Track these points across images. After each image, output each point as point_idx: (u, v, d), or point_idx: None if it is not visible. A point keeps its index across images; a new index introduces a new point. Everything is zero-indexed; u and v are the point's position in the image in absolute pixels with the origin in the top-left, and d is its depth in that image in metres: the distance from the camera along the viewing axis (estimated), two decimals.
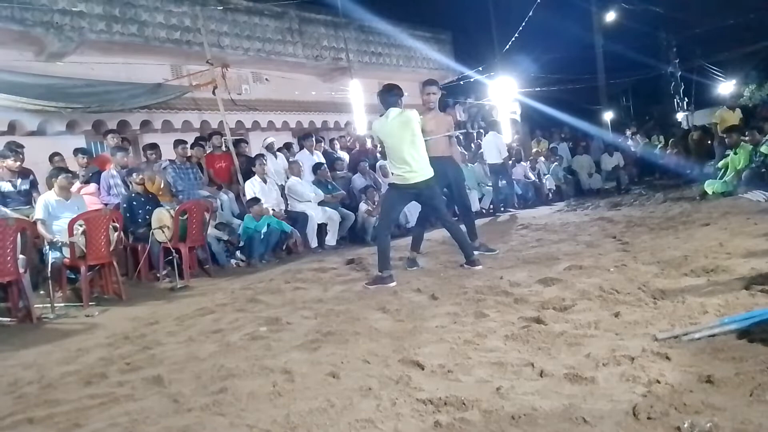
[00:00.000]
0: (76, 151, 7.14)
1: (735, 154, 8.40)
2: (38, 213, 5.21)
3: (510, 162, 10.69)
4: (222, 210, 7.19)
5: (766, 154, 7.86)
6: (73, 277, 5.35)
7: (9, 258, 4.40)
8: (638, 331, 2.60)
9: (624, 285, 3.46)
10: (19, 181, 5.77)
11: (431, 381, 2.30)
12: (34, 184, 6.03)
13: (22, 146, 6.05)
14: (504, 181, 10.41)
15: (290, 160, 8.43)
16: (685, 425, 1.66)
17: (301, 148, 9.04)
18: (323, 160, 8.70)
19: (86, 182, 6.61)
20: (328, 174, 8.43)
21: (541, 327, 2.81)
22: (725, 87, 23.79)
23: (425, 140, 4.75)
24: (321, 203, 7.83)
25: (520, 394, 2.05)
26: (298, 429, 1.98)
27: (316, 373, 2.53)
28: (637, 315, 2.85)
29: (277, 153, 8.83)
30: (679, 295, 3.05)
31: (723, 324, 2.47)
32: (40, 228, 5.10)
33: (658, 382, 1.99)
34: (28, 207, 5.66)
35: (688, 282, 3.38)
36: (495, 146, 10.19)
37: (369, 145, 10.57)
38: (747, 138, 8.48)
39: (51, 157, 6.73)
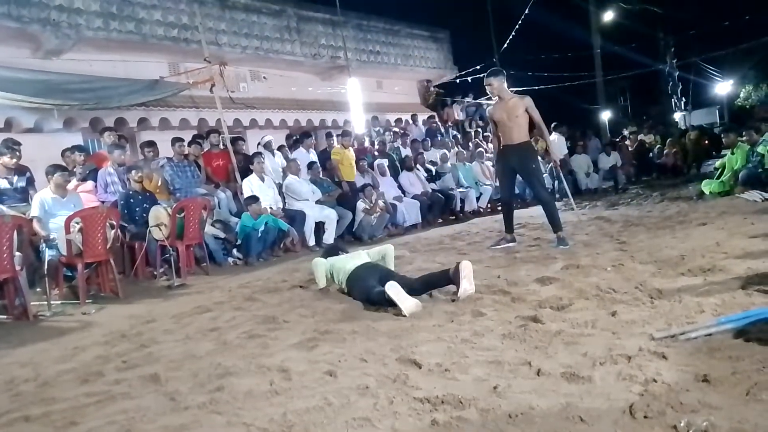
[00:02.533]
0: (73, 149, 7.12)
1: (732, 154, 8.42)
2: (34, 210, 5.20)
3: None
4: (219, 208, 7.18)
5: (763, 154, 7.89)
6: (70, 274, 5.34)
7: (5, 255, 4.38)
8: (635, 331, 2.61)
9: (621, 284, 3.47)
10: (15, 178, 5.75)
11: (428, 380, 2.30)
12: (30, 182, 6.01)
13: (19, 143, 6.02)
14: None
15: (288, 158, 8.43)
16: (682, 424, 1.66)
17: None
18: (316, 159, 8.74)
19: (83, 180, 6.59)
20: (320, 172, 8.42)
21: (538, 326, 2.82)
22: (722, 87, 23.89)
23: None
24: (318, 201, 7.83)
25: (517, 393, 2.05)
26: (295, 427, 1.98)
27: (313, 371, 2.53)
28: (634, 314, 2.85)
29: (275, 151, 8.83)
30: (676, 295, 3.06)
31: (720, 323, 2.47)
32: (36, 225, 5.08)
33: (655, 381, 2.00)
34: (24, 204, 5.64)
35: (685, 281, 3.39)
36: (559, 145, 11.59)
37: (367, 143, 10.57)
38: (744, 138, 8.50)
39: (63, 153, 6.73)
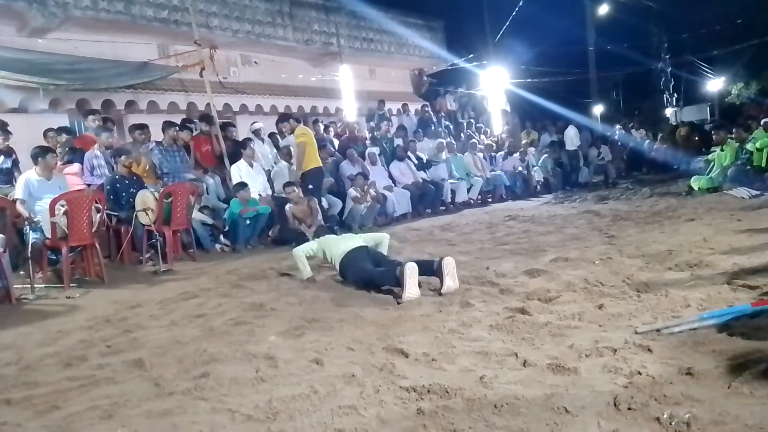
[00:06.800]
0: (60, 130, 6.99)
1: (722, 150, 8.49)
2: (18, 192, 5.10)
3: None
4: (208, 194, 7.10)
5: (751, 152, 7.96)
6: (54, 258, 5.26)
7: None
8: (621, 324, 2.62)
9: (609, 278, 3.49)
10: (1, 159, 5.66)
11: (415, 369, 2.30)
12: (15, 163, 5.91)
13: (7, 124, 5.92)
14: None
15: (279, 145, 8.35)
16: (665, 416, 1.68)
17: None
18: None
19: (69, 162, 6.48)
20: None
21: (525, 317, 2.83)
22: (714, 84, 24.03)
23: None
24: None
25: (503, 384, 2.06)
26: (280, 414, 1.97)
27: (299, 359, 2.52)
28: (620, 307, 2.87)
29: (264, 138, 8.74)
30: (663, 289, 3.08)
31: (703, 318, 2.50)
32: (20, 207, 4.99)
33: (640, 373, 2.02)
34: (8, 186, 5.55)
35: (672, 276, 3.42)
36: (575, 136, 12.89)
37: (365, 132, 10.53)
38: (734, 135, 8.58)
39: (45, 133, 6.57)
